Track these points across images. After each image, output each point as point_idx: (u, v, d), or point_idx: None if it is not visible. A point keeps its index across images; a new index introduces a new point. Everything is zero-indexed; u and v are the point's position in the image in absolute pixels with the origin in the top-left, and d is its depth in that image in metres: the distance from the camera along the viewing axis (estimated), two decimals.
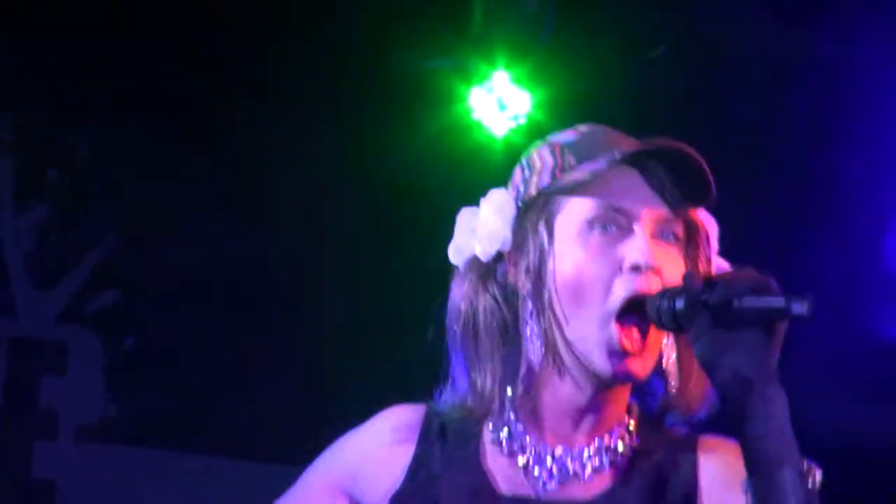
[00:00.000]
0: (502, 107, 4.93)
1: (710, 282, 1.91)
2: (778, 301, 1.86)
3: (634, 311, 2.02)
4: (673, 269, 2.04)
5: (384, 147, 4.91)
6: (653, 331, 2.04)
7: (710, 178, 2.05)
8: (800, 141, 4.77)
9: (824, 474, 1.79)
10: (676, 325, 1.96)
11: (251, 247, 5.17)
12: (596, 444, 2.12)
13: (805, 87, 4.75)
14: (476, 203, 2.20)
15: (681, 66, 4.73)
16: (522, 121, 4.94)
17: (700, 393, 2.12)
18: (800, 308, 1.84)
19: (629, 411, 2.16)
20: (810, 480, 1.86)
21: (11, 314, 5.33)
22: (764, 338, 1.88)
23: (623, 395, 2.13)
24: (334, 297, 5.03)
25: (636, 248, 2.03)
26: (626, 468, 2.12)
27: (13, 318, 5.33)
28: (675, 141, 2.05)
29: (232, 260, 5.17)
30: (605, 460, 2.11)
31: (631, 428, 2.15)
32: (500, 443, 2.14)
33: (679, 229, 2.10)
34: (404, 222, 4.79)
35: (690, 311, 1.92)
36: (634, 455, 2.13)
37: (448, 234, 2.20)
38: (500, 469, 2.13)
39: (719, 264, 2.15)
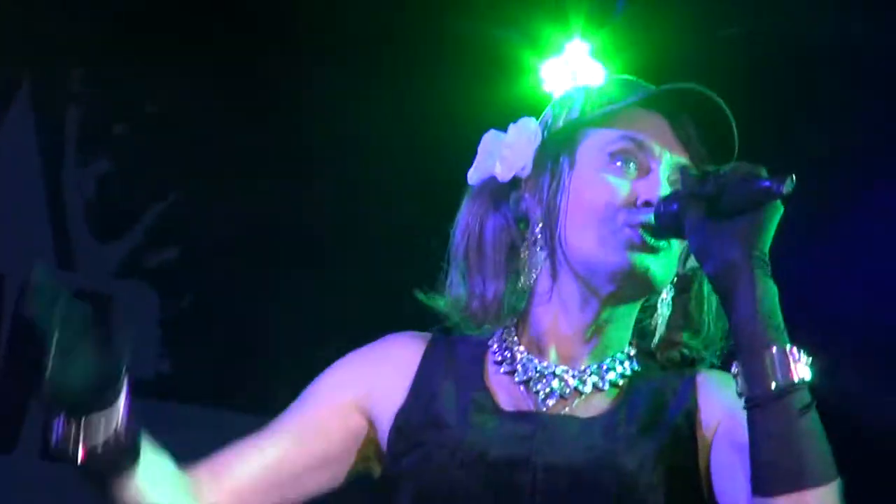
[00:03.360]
0: (576, 79, 4.85)
1: (704, 175, 1.99)
2: (763, 182, 1.92)
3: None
4: None
5: (449, 117, 4.89)
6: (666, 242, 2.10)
7: (735, 139, 2.11)
8: (873, 128, 4.73)
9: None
10: (677, 226, 2.02)
11: (312, 210, 5.17)
12: (597, 365, 2.16)
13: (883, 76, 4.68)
14: None
15: (758, 45, 4.69)
16: None
17: (713, 335, 2.20)
18: (780, 187, 1.90)
19: (631, 343, 2.21)
20: (796, 363, 1.90)
21: (70, 266, 5.33)
22: (754, 223, 1.94)
23: (627, 321, 2.19)
24: (391, 259, 5.01)
25: (652, 186, 2.10)
26: (626, 388, 2.16)
27: (71, 270, 5.32)
28: (707, 91, 2.10)
29: (293, 221, 5.18)
30: (606, 379, 2.16)
31: (632, 354, 2.20)
32: (502, 363, 2.20)
33: None
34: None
35: (687, 205, 1.99)
36: (635, 376, 2.17)
37: None
38: (503, 386, 2.18)
39: None
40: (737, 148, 2.12)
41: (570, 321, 2.17)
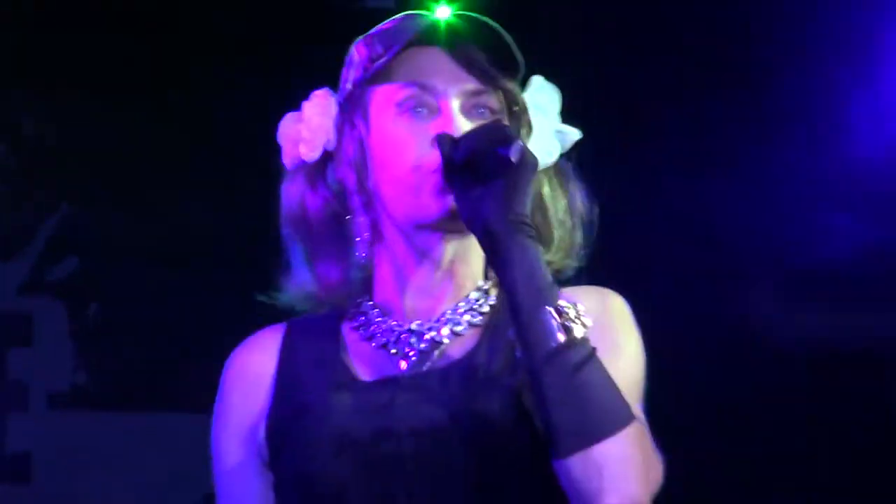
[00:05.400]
0: None
1: (457, 141, 2.01)
2: (497, 150, 1.94)
3: None
4: None
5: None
6: None
7: (514, 49, 2.10)
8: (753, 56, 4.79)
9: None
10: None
11: (207, 203, 5.16)
12: (454, 310, 2.14)
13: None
14: None
15: None
16: None
17: (562, 251, 2.18)
18: (508, 154, 1.93)
19: (487, 276, 2.19)
20: (568, 320, 1.91)
21: None
22: (506, 187, 1.95)
23: (473, 253, 2.15)
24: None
25: (444, 122, 2.07)
26: (486, 326, 2.14)
27: None
28: (473, 14, 2.10)
29: (189, 217, 5.17)
30: (463, 321, 2.13)
31: (488, 288, 2.18)
32: (359, 329, 2.18)
33: (493, 102, 2.13)
34: None
35: (448, 172, 2.01)
36: (494, 311, 2.15)
37: None
38: (361, 356, 2.15)
39: (566, 132, 2.20)
40: (521, 61, 2.12)
41: (414, 274, 2.13)
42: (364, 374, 2.13)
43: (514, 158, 1.93)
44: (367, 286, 2.20)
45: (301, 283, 2.21)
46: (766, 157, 4.72)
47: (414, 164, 2.07)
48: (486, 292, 2.17)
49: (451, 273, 2.14)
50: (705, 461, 4.49)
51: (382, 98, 2.13)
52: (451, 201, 2.05)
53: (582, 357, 1.90)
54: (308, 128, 2.18)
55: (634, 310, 2.17)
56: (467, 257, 2.15)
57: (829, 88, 4.63)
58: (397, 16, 2.18)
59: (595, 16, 4.71)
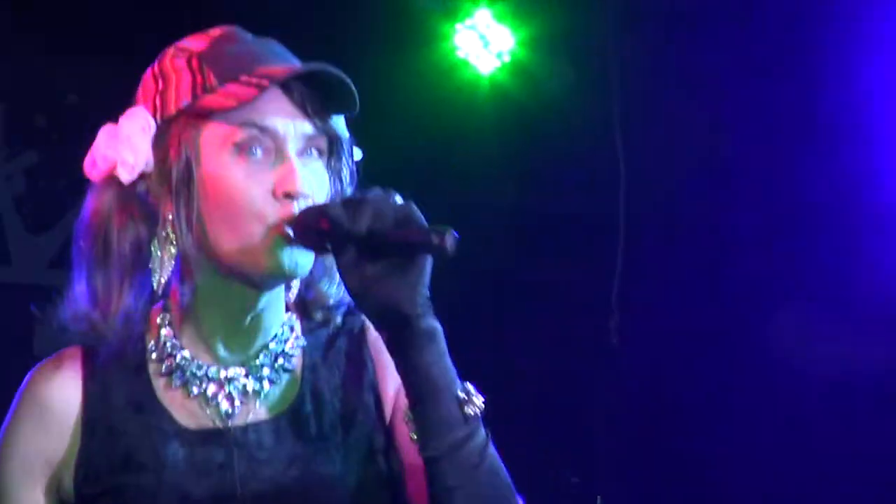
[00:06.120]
0: (486, 44, 4.94)
1: (354, 207, 1.89)
2: (421, 236, 1.85)
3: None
4: (320, 187, 2.02)
5: (369, 87, 4.91)
6: None
7: (352, 89, 2.03)
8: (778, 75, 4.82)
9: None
10: (322, 244, 1.95)
11: None
12: (266, 355, 2.09)
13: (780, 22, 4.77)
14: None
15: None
16: (507, 58, 4.94)
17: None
18: (445, 244, 1.82)
19: (287, 308, 2.13)
20: (471, 407, 1.90)
21: (6, 261, 5.36)
22: (412, 269, 1.88)
23: (280, 294, 2.10)
24: None
25: (288, 175, 1.98)
26: (302, 369, 2.11)
27: (6, 265, 5.36)
28: (317, 63, 2.02)
29: None
30: (281, 369, 2.09)
31: (294, 324, 2.14)
32: (171, 374, 2.08)
33: (322, 143, 2.05)
34: (393, 162, 4.81)
35: (338, 244, 1.91)
36: (305, 353, 2.12)
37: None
38: (179, 402, 2.07)
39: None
40: (357, 101, 2.04)
41: (225, 316, 2.05)
42: (186, 421, 2.06)
43: (450, 250, 1.83)
44: (170, 321, 2.10)
45: (79, 309, 2.06)
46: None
47: (254, 216, 1.97)
48: (293, 330, 2.13)
49: (262, 316, 2.07)
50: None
51: (218, 135, 1.99)
52: (282, 259, 1.97)
53: (482, 444, 1.90)
54: (128, 147, 2.03)
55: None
56: (276, 302, 2.09)
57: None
58: (215, 30, 2.09)
59: None
